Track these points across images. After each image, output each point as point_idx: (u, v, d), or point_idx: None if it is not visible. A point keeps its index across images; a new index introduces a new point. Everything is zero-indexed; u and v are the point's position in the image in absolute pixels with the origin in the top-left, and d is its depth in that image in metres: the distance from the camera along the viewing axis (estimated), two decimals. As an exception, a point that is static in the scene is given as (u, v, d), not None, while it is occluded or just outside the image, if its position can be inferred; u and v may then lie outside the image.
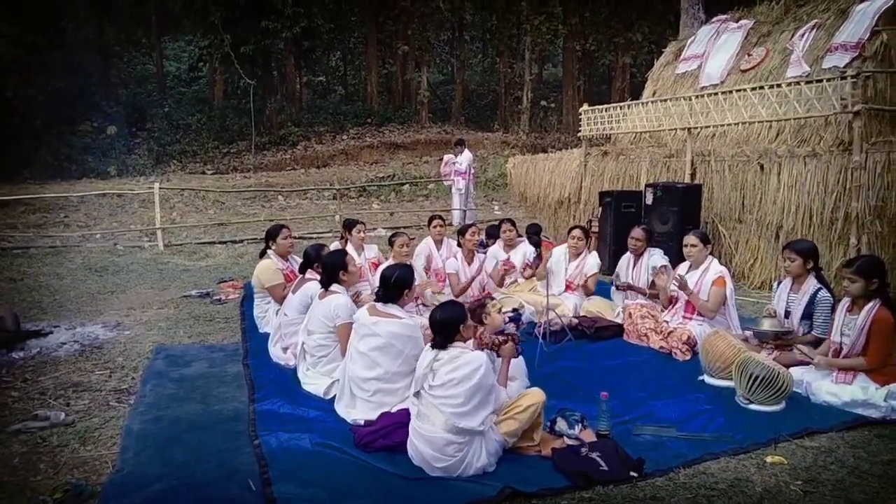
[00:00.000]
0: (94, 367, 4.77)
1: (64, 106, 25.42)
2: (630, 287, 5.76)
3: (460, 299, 5.79)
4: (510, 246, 6.79)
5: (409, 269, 4.01)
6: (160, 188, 11.74)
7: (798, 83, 6.53)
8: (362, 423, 3.68)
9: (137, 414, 3.89)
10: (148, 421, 3.79)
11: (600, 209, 8.10)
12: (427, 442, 3.21)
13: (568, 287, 6.11)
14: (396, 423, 3.49)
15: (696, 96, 7.64)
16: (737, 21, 9.37)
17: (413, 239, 8.58)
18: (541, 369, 4.64)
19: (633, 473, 3.19)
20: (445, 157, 13.71)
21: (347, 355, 3.90)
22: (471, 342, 3.54)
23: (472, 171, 13.42)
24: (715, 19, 9.90)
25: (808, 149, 6.72)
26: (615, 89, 28.25)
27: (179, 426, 3.72)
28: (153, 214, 15.87)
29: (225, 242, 11.63)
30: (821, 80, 6.30)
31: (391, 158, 24.93)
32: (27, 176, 21.21)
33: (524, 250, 6.76)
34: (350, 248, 6.62)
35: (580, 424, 3.54)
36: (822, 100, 6.27)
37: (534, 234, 7.61)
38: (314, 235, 12.60)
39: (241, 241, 11.82)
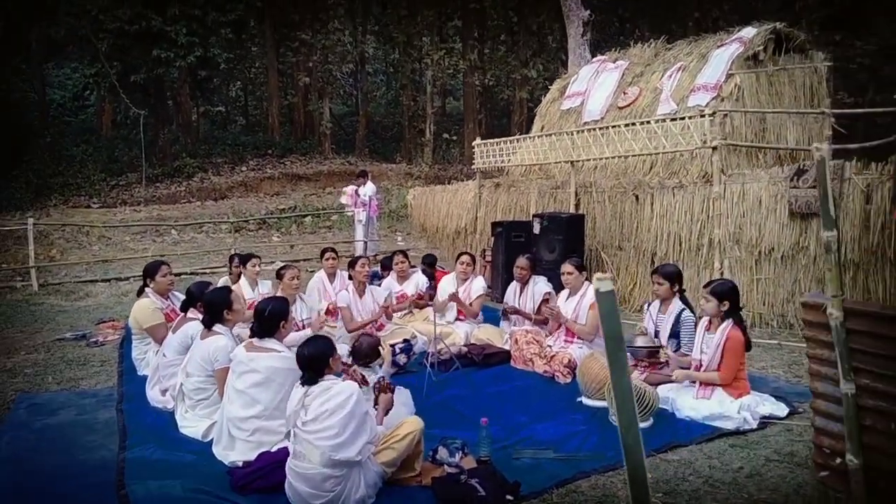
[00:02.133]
0: (-56, 421, 4.38)
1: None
2: (516, 311, 5.95)
3: (353, 334, 5.82)
4: (403, 277, 6.87)
5: (283, 302, 3.99)
6: (35, 223, 10.97)
7: (664, 120, 7.07)
8: (240, 464, 3.58)
9: (-10, 470, 3.61)
10: (1, 476, 3.52)
11: (492, 239, 8.35)
12: (304, 480, 3.17)
13: (460, 314, 6.24)
14: (275, 463, 3.42)
15: (578, 131, 8.10)
16: (614, 62, 10.04)
17: (312, 271, 8.49)
18: (429, 399, 4.70)
19: (509, 497, 3.28)
20: (347, 189, 13.69)
21: (225, 396, 3.80)
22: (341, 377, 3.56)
23: (375, 202, 13.45)
24: (595, 59, 10.57)
25: (676, 181, 7.25)
26: (514, 123, 29.28)
27: (39, 479, 3.48)
28: (27, 252, 14.89)
29: (108, 280, 11.02)
30: (683, 118, 6.85)
31: (293, 190, 24.55)
32: None
33: (417, 280, 6.85)
34: (244, 283, 6.48)
35: (461, 452, 3.62)
36: (685, 136, 6.81)
37: (428, 264, 7.73)
38: (208, 270, 12.19)
39: (127, 278, 11.24)
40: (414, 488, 3.40)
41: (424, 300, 6.70)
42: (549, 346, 5.36)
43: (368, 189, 13.15)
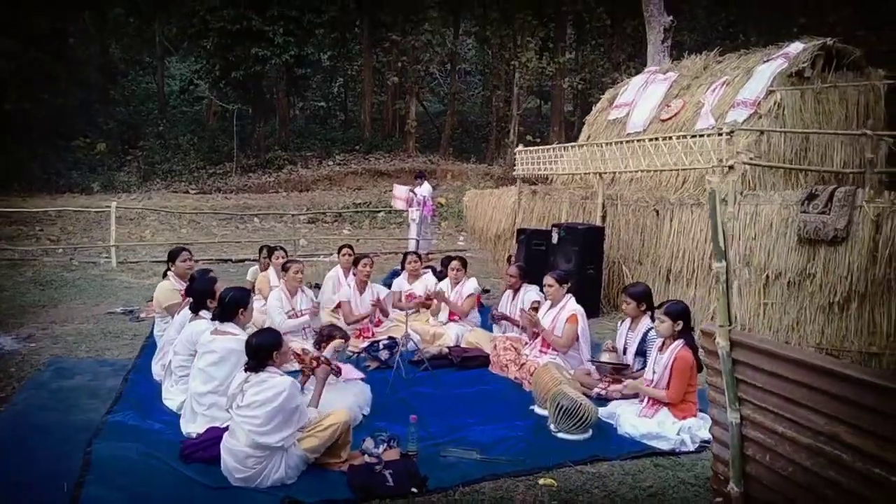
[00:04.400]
0: (-16, 375, 5.16)
1: (62, 120, 26.26)
2: (504, 317, 6.14)
3: (351, 327, 6.25)
4: (414, 277, 7.20)
5: (243, 291, 4.43)
6: (118, 206, 12.19)
7: (685, 137, 6.97)
8: (195, 436, 4.05)
9: (-1, 419, 4.28)
10: (4, 427, 4.17)
11: (517, 245, 8.51)
12: (231, 455, 3.58)
13: (451, 316, 6.50)
14: (218, 438, 3.84)
15: (606, 144, 8.10)
16: (664, 73, 9.87)
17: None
18: (395, 394, 5.01)
19: (413, 490, 3.54)
20: (398, 193, 14.15)
21: (190, 375, 4.29)
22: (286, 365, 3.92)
23: (430, 203, 13.86)
24: (647, 69, 10.41)
25: (693, 198, 7.13)
26: (601, 126, 28.72)
27: (30, 432, 4.10)
28: (126, 231, 16.45)
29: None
30: (702, 135, 6.74)
31: (374, 186, 25.43)
32: (16, 188, 21.84)
33: (426, 282, 7.15)
34: (271, 273, 7.06)
35: (385, 444, 3.90)
36: (703, 153, 6.70)
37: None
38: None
39: (197, 260, 12.22)
40: (335, 473, 3.73)
41: (432, 301, 6.98)
42: (526, 355, 5.52)
43: (424, 189, 13.56)
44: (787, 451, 2.82)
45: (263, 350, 3.65)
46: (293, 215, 19.33)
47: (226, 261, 12.95)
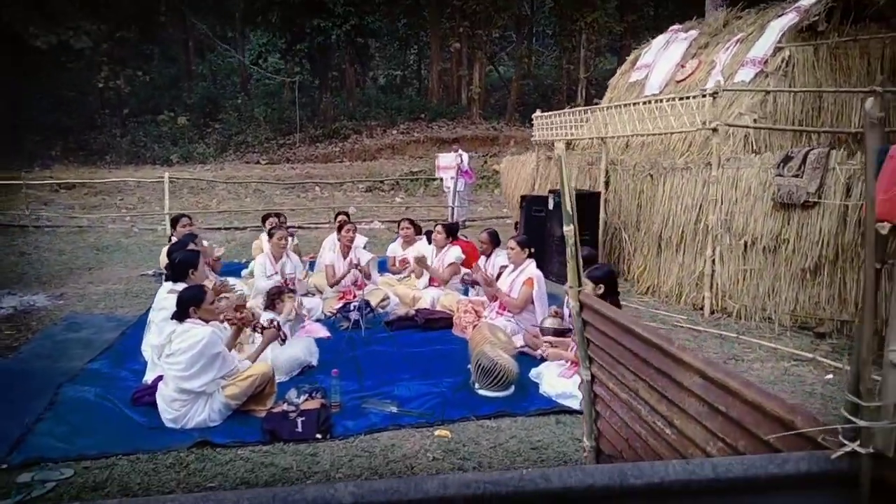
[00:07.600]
0: (8, 328, 5.94)
1: (151, 96, 28.17)
2: (474, 282, 6.34)
3: (334, 289, 6.68)
4: (408, 243, 7.49)
5: (193, 254, 4.87)
6: (170, 178, 13.10)
7: (672, 100, 6.80)
8: (150, 383, 4.57)
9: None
10: (7, 369, 4.86)
11: (520, 211, 8.61)
12: (162, 398, 4.06)
13: (432, 281, 6.76)
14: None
15: (606, 108, 7.98)
16: (686, 31, 9.49)
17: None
18: (353, 351, 5.37)
19: (318, 435, 3.90)
20: (442, 162, 14.40)
21: (150, 329, 4.82)
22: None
23: (466, 171, 14.02)
24: (670, 28, 10.03)
25: (683, 162, 6.96)
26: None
27: (17, 375, 4.76)
28: (195, 200, 17.60)
29: (229, 229, 12.92)
30: (686, 98, 6.55)
31: (434, 154, 25.71)
32: (108, 160, 23.78)
33: (419, 248, 7.42)
34: (264, 239, 7.56)
35: (307, 395, 4.28)
36: (688, 116, 6.53)
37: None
38: (312, 224, 13.71)
39: (244, 227, 13.07)
40: (256, 419, 4.13)
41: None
42: (485, 317, 5.72)
43: (463, 158, 13.74)
44: (616, 407, 2.95)
45: (185, 302, 4.08)
46: (351, 183, 20.06)
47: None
